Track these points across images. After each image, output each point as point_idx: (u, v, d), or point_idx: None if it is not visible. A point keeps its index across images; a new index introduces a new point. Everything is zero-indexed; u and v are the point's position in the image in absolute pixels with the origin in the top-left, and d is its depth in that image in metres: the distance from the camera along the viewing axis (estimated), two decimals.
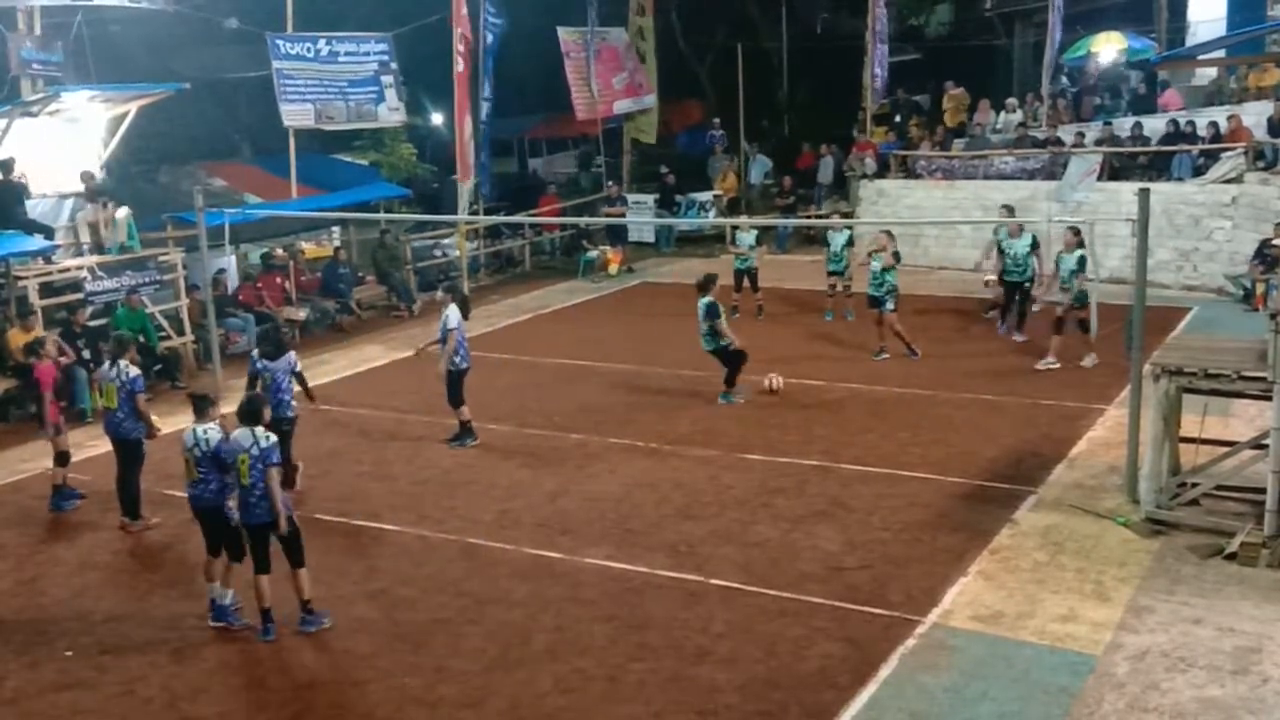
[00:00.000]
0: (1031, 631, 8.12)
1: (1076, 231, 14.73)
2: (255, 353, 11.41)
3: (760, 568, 9.30)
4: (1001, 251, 16.11)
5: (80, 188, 16.69)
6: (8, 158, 15.43)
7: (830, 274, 18.28)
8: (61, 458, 11.30)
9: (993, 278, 16.78)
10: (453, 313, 12.47)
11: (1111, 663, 7.66)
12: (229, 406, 9.57)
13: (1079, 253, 14.57)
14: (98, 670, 8.08)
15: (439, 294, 13.58)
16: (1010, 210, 17.88)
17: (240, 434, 8.45)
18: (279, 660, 8.24)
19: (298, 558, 8.49)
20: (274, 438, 8.50)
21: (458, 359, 12.44)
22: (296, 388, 11.27)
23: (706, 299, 13.56)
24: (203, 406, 8.82)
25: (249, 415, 8.51)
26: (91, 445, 12.39)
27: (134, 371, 10.56)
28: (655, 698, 7.48)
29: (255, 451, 8.34)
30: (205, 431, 8.65)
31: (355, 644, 8.34)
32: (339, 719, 7.47)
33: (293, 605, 8.60)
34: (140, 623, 8.82)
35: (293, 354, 11.16)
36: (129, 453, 10.62)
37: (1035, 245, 15.83)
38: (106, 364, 10.73)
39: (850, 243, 18.19)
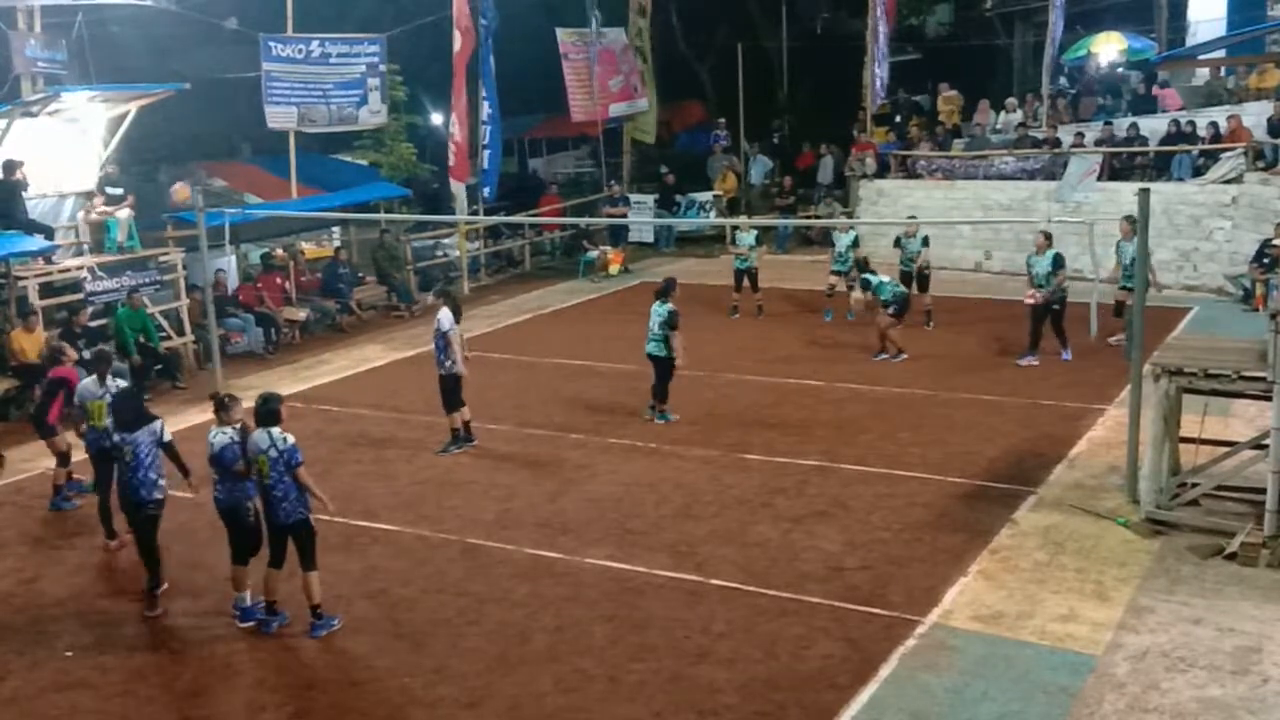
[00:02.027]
0: (1032, 631, 8.12)
1: (1132, 220, 14.52)
2: (110, 422, 9.27)
3: (760, 568, 9.31)
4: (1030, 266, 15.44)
5: (83, 187, 16.71)
6: (14, 158, 15.43)
7: (833, 273, 18.26)
8: (63, 458, 11.28)
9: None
10: (445, 315, 12.39)
11: (1111, 663, 7.66)
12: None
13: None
14: (98, 670, 8.08)
15: (430, 298, 13.45)
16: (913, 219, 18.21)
17: (258, 435, 8.45)
18: (279, 660, 8.24)
19: (309, 562, 8.49)
20: (292, 439, 8.43)
21: (450, 363, 12.35)
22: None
23: (669, 305, 12.99)
24: (220, 408, 8.78)
25: (267, 416, 8.47)
26: None
27: (121, 384, 10.26)
28: (655, 698, 7.48)
29: (274, 454, 8.34)
30: (214, 435, 8.62)
31: (355, 644, 8.35)
32: (339, 719, 7.47)
33: (295, 605, 8.62)
34: (140, 623, 8.82)
35: (159, 423, 9.03)
36: None
37: (1060, 264, 14.88)
38: (92, 380, 10.37)
39: (856, 243, 18.17)
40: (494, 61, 22.37)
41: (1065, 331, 15.07)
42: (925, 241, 17.42)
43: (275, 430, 8.42)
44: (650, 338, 13.15)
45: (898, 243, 17.70)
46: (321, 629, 8.46)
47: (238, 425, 8.70)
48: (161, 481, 8.89)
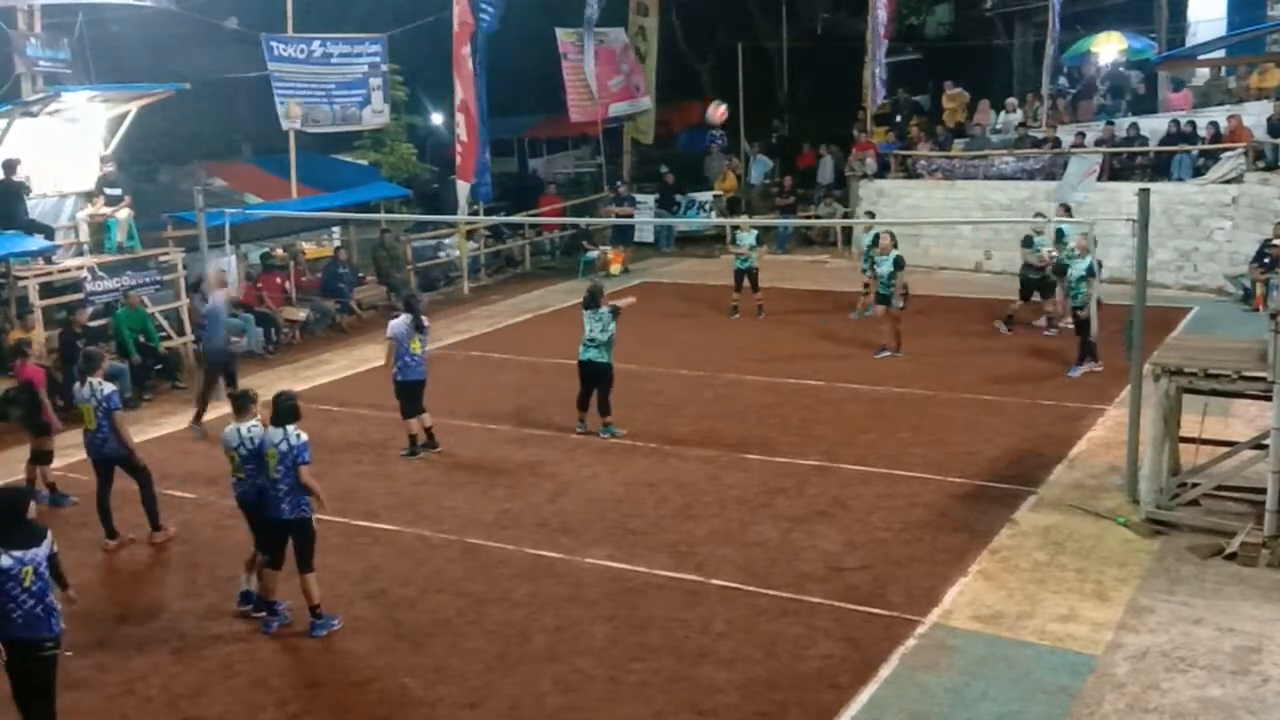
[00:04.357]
0: (1032, 631, 8.13)
1: (1068, 208, 16.02)
2: None
3: (760, 568, 9.31)
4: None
5: (83, 187, 16.72)
6: (13, 157, 15.45)
7: (864, 271, 18.07)
8: (44, 456, 11.24)
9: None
10: (395, 322, 12.27)
11: (1111, 663, 7.66)
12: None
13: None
14: (98, 670, 8.07)
15: (400, 303, 13.32)
16: (892, 235, 17.69)
17: (272, 430, 8.48)
18: (279, 660, 8.24)
19: (307, 563, 8.49)
20: (305, 436, 8.44)
21: (394, 370, 12.20)
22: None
23: (605, 309, 12.45)
24: (244, 404, 8.80)
25: (287, 413, 8.48)
26: None
27: (108, 388, 10.10)
28: (655, 698, 7.48)
29: (284, 448, 8.35)
30: (250, 429, 8.62)
31: (355, 644, 8.35)
32: (339, 719, 7.47)
33: (295, 605, 8.63)
34: (140, 623, 8.84)
35: (49, 534, 6.92)
36: (128, 469, 10.30)
37: (1092, 272, 14.26)
38: (78, 384, 10.23)
39: (876, 242, 18.08)
40: (490, 60, 22.29)
41: (1094, 346, 14.42)
42: (1091, 271, 14.44)
43: (290, 426, 8.43)
44: (590, 345, 12.49)
45: (1030, 242, 16.52)
46: (321, 629, 8.46)
47: (259, 419, 8.75)
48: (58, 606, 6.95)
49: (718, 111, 24.82)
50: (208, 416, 13.29)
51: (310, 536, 8.52)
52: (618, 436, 12.69)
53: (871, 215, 18.90)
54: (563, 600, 8.87)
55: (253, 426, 8.65)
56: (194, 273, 16.59)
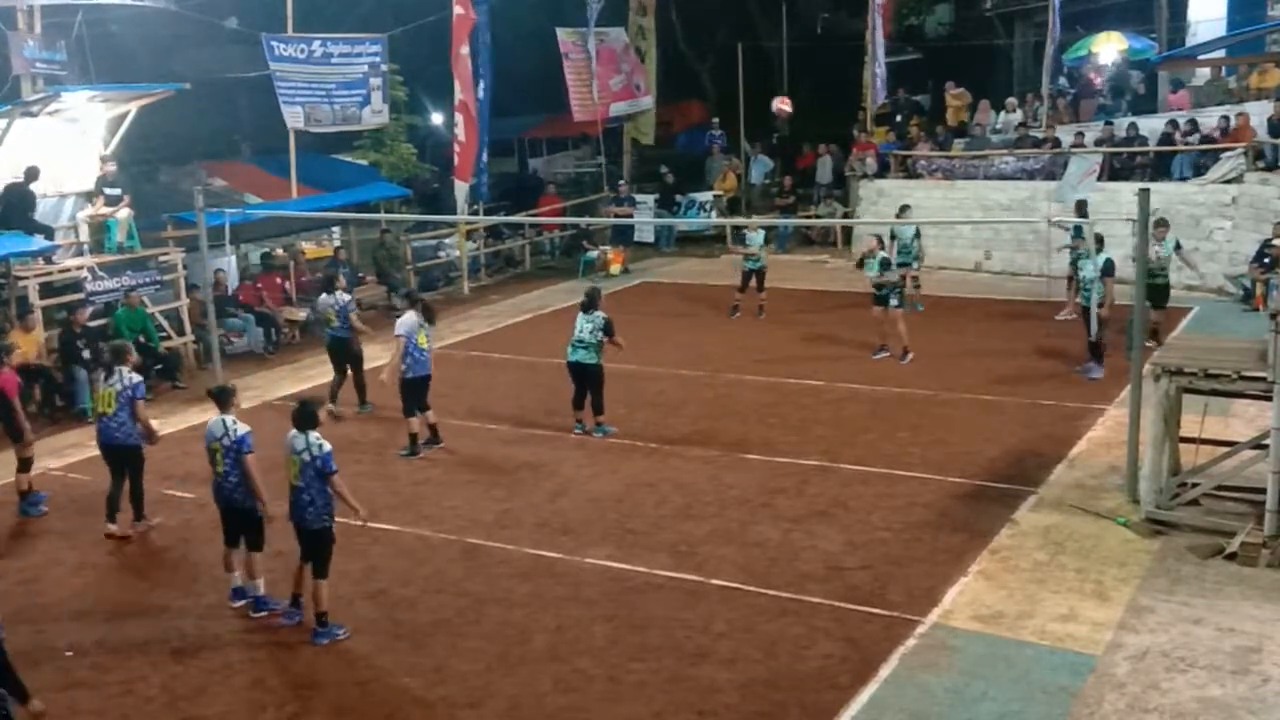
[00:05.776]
0: (1032, 631, 8.13)
1: (1082, 205, 16.50)
2: None
3: (760, 568, 9.31)
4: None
5: (83, 187, 16.73)
6: (34, 165, 15.52)
7: (900, 265, 17.97)
8: (25, 463, 11.26)
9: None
10: (404, 319, 12.36)
11: (1112, 663, 7.66)
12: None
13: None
14: (98, 670, 8.08)
15: (399, 303, 13.34)
16: (906, 209, 18.63)
17: (294, 437, 8.42)
18: (279, 660, 8.24)
19: (322, 570, 8.45)
20: (328, 446, 8.35)
21: (402, 367, 12.26)
22: None
23: (601, 314, 12.59)
24: (226, 397, 8.85)
25: (307, 419, 8.41)
26: (92, 445, 12.33)
27: (136, 378, 10.38)
28: (655, 698, 7.48)
29: (306, 458, 8.30)
30: (233, 422, 8.69)
31: (355, 644, 8.35)
32: (339, 719, 7.47)
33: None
34: (140, 623, 8.83)
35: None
36: (129, 459, 10.44)
37: (1107, 272, 14.00)
38: (103, 373, 10.47)
39: (918, 234, 18.01)
40: (492, 58, 22.26)
41: (1100, 347, 14.22)
42: (1110, 269, 14.23)
43: (313, 435, 8.37)
44: (579, 346, 12.61)
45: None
46: (324, 637, 8.39)
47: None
48: None
49: (782, 107, 26.03)
50: (200, 419, 13.29)
51: (329, 545, 8.48)
52: (610, 435, 12.75)
53: (907, 208, 18.89)
54: (563, 600, 8.87)
55: (235, 420, 8.72)
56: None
